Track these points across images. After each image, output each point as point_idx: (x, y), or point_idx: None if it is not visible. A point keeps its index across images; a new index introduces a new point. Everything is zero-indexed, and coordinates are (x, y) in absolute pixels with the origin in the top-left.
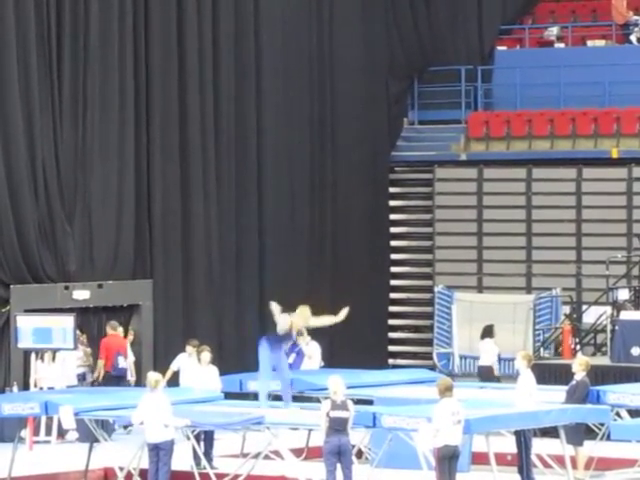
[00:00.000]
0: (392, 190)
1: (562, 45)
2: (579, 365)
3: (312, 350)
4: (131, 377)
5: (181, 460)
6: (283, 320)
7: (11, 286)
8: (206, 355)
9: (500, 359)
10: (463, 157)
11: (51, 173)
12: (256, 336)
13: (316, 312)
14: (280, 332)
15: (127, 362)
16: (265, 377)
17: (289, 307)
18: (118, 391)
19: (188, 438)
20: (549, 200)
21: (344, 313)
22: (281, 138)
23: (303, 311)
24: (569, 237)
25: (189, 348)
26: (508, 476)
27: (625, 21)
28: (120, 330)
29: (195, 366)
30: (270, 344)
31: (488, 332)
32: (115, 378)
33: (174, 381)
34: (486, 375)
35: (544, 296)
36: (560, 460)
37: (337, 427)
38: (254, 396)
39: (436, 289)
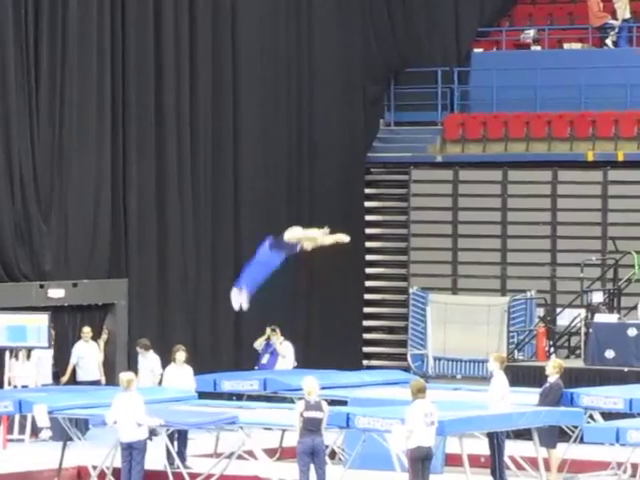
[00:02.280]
0: (367, 191)
1: (539, 48)
2: (553, 367)
3: (285, 349)
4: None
5: (154, 459)
6: (295, 231)
7: None
8: (181, 355)
9: None
10: (439, 159)
11: (27, 172)
12: (230, 337)
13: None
14: (285, 238)
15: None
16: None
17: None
18: (93, 390)
19: (151, 439)
20: (524, 202)
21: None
22: (257, 139)
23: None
24: (544, 239)
25: (138, 349)
26: (481, 478)
27: (601, 24)
28: None
29: (172, 367)
30: (272, 244)
31: None
32: None
33: None
34: None
35: (518, 298)
36: (533, 462)
37: (311, 427)
38: (228, 396)
39: (411, 290)
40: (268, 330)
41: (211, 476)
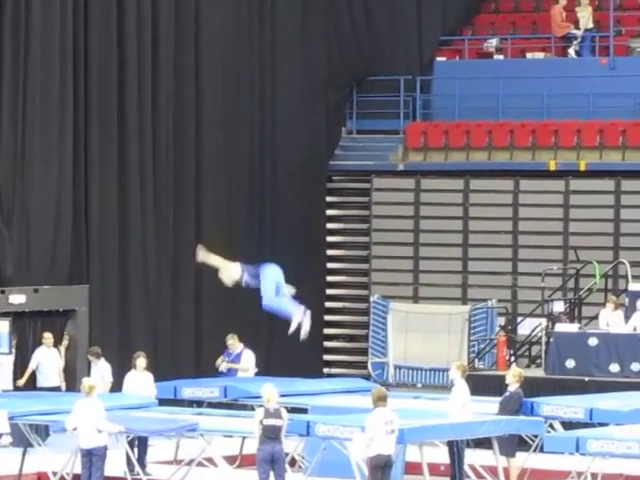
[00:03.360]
0: (329, 199)
1: (501, 57)
2: (513, 377)
3: (246, 359)
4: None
5: (114, 466)
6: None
7: None
8: (141, 361)
9: None
10: (401, 167)
11: None
12: (191, 344)
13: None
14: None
15: None
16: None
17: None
18: (53, 396)
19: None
20: (486, 211)
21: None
22: (219, 147)
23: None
24: (505, 249)
25: (90, 357)
26: None
27: (564, 34)
28: None
29: (132, 374)
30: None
31: None
32: None
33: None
34: None
35: (479, 307)
36: (493, 471)
37: (270, 435)
38: (188, 403)
39: (372, 299)
40: (219, 360)
41: None
